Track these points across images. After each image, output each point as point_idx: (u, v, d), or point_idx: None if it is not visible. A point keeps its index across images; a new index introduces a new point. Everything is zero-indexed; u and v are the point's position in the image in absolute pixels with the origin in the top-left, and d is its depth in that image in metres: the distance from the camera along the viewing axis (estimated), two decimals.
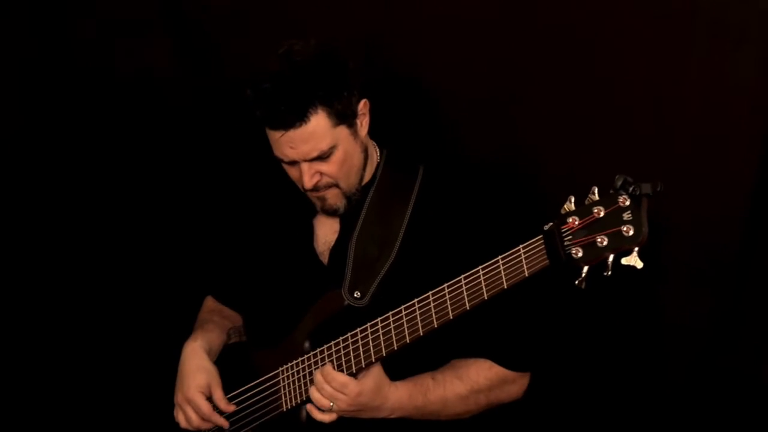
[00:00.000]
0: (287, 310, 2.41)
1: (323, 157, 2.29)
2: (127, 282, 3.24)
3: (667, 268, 2.61)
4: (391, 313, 2.19)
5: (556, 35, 2.63)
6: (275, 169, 2.43)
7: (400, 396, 2.27)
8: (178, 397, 2.43)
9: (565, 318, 2.70)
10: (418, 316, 2.15)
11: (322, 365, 2.26)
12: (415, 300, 2.15)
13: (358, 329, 2.24)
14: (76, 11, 3.05)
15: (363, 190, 2.42)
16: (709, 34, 2.47)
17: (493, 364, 2.35)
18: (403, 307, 2.17)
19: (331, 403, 2.22)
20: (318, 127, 2.25)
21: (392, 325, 2.18)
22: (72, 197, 3.18)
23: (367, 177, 2.44)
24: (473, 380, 2.33)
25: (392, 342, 2.17)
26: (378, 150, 2.48)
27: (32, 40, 3.06)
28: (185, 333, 2.54)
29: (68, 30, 3.06)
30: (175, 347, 2.50)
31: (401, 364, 2.29)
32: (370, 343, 2.20)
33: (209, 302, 2.72)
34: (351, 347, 2.23)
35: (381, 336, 2.19)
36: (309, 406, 2.26)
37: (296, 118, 2.23)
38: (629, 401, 2.76)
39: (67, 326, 3.23)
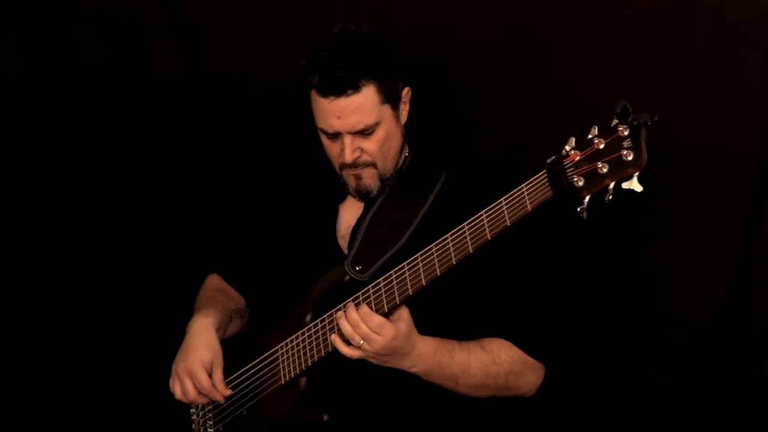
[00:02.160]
0: (296, 293, 2.42)
1: (366, 132, 2.34)
2: (134, 273, 3.23)
3: (666, 264, 2.61)
4: (402, 264, 2.21)
5: (558, 38, 2.64)
6: (301, 154, 2.46)
7: (427, 347, 2.27)
8: (179, 367, 2.41)
9: (579, 314, 2.71)
10: (421, 266, 2.17)
11: (352, 306, 2.24)
12: (418, 253, 2.18)
13: (371, 285, 2.24)
14: (76, 11, 3.05)
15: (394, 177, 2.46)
16: (709, 34, 2.47)
17: (512, 345, 2.35)
18: (419, 253, 2.19)
19: (362, 341, 2.21)
20: (367, 99, 2.31)
21: (396, 279, 2.20)
22: (73, 191, 3.18)
23: (398, 166, 2.48)
24: (495, 353, 2.33)
25: (420, 279, 2.17)
26: (407, 146, 2.52)
27: (32, 41, 3.06)
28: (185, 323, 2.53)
29: (68, 30, 3.06)
30: (175, 338, 2.49)
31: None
32: (395, 286, 2.20)
33: (214, 280, 2.70)
34: (377, 292, 2.23)
35: (407, 276, 2.19)
36: (335, 339, 2.24)
37: (349, 85, 2.29)
38: (629, 401, 2.76)
39: (69, 310, 3.23)
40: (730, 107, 2.50)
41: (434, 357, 2.28)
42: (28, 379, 3.22)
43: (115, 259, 3.23)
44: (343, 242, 2.47)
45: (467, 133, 2.84)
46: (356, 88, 2.30)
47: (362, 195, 2.44)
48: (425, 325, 2.27)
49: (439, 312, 2.31)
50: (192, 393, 2.40)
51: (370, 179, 2.41)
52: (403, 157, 2.49)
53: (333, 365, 2.30)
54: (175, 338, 2.49)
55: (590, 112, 2.60)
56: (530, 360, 2.36)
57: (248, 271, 2.65)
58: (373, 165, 2.40)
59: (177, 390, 2.42)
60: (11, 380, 3.21)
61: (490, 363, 2.33)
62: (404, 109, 2.44)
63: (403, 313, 2.23)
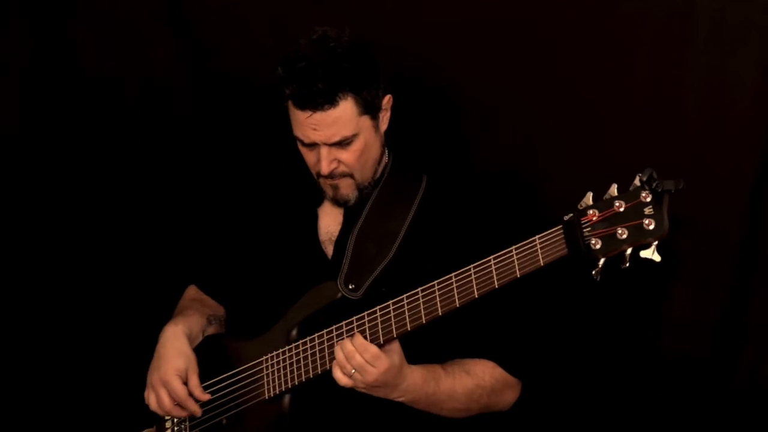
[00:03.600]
0: (278, 300, 2.39)
1: (344, 143, 2.31)
2: (122, 276, 3.22)
3: (666, 265, 2.61)
4: (402, 297, 2.17)
5: (557, 38, 2.63)
6: (278, 158, 2.43)
7: (415, 379, 2.25)
8: (153, 378, 2.39)
9: (567, 324, 2.70)
10: (422, 303, 2.13)
11: (349, 336, 2.21)
12: (419, 288, 2.14)
13: (367, 313, 2.21)
14: (76, 11, 3.04)
15: (372, 185, 2.43)
16: (709, 34, 2.47)
17: (496, 365, 2.35)
18: (420, 289, 2.15)
19: (353, 371, 2.18)
20: (344, 112, 2.27)
21: (393, 312, 2.17)
22: (72, 191, 3.17)
23: (377, 174, 2.45)
24: (479, 377, 2.33)
25: (420, 316, 2.14)
26: (387, 152, 2.49)
27: (32, 41, 3.06)
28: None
29: (68, 30, 3.06)
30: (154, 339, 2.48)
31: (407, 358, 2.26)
32: (392, 319, 2.18)
33: (191, 291, 2.69)
34: (372, 321, 2.20)
35: (407, 311, 2.16)
36: (335, 367, 2.20)
37: (326, 100, 2.25)
38: (628, 401, 2.75)
39: (58, 316, 3.22)
40: (730, 107, 2.50)
41: (422, 388, 2.27)
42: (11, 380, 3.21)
43: (109, 259, 3.22)
44: (325, 247, 2.44)
45: (449, 134, 2.82)
46: (333, 102, 2.25)
47: (340, 204, 2.42)
48: (411, 343, 2.23)
49: (425, 331, 2.24)
50: (167, 403, 2.38)
51: (347, 189, 2.39)
52: (383, 165, 2.46)
53: (319, 386, 2.28)
54: (154, 342, 2.48)
55: (590, 111, 2.65)
56: (511, 379, 2.37)
57: (225, 280, 2.62)
58: (351, 176, 2.37)
59: (152, 401, 2.40)
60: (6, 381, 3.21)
61: (474, 387, 2.33)
62: (385, 117, 2.40)
63: (395, 345, 2.20)
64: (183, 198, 3.14)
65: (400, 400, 2.27)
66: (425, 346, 2.27)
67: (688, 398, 2.69)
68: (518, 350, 2.36)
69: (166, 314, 2.61)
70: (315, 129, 2.28)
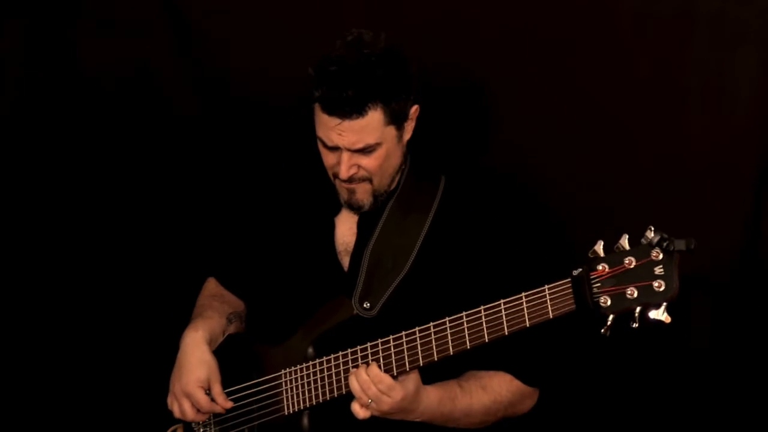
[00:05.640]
0: (295, 306, 2.39)
1: (366, 150, 2.28)
2: (134, 274, 3.22)
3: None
4: (414, 330, 2.17)
5: (558, 39, 2.63)
6: (299, 163, 2.42)
7: (431, 401, 2.25)
8: (176, 388, 2.40)
9: (578, 333, 2.70)
10: (434, 341, 2.14)
11: (363, 363, 2.22)
12: (431, 323, 2.14)
13: (381, 340, 2.21)
14: (77, 12, 3.04)
15: (389, 194, 2.41)
16: (709, 34, 2.47)
17: (513, 378, 2.34)
18: (432, 324, 2.15)
19: (370, 401, 2.19)
20: (372, 122, 2.24)
21: (406, 345, 2.17)
22: (73, 192, 3.17)
23: (394, 183, 2.43)
24: (497, 392, 2.32)
25: (432, 353, 2.15)
26: (406, 161, 2.46)
27: (32, 41, 3.06)
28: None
29: (68, 30, 3.06)
30: (173, 342, 2.48)
31: (422, 371, 2.25)
32: (405, 353, 2.18)
33: (210, 286, 2.67)
34: (386, 351, 2.20)
35: (419, 347, 2.16)
36: (354, 404, 2.20)
37: (354, 109, 2.22)
38: (628, 401, 2.75)
39: (67, 312, 3.22)
40: (730, 107, 2.49)
41: (438, 408, 2.27)
42: (24, 380, 3.21)
43: (114, 261, 3.22)
44: (341, 258, 2.43)
45: (467, 136, 2.82)
46: (362, 112, 2.23)
47: (354, 209, 2.41)
48: None
49: None
50: (191, 414, 2.39)
51: (363, 194, 2.37)
52: (400, 173, 2.44)
53: (337, 407, 2.27)
54: (174, 342, 2.48)
55: (589, 111, 2.65)
56: (528, 389, 2.37)
57: (245, 276, 2.61)
58: (369, 180, 2.35)
59: (175, 410, 2.41)
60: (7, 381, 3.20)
61: (491, 404, 2.32)
62: (410, 126, 2.37)
63: (412, 372, 2.20)
64: (197, 197, 3.12)
65: (416, 420, 2.27)
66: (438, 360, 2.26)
67: (688, 398, 2.68)
68: (533, 361, 2.35)
69: (187, 310, 2.61)
70: (340, 134, 2.26)
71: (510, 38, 2.69)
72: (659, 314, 1.88)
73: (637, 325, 1.91)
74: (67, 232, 3.18)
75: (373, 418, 2.24)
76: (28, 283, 3.18)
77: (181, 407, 2.39)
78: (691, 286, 1.94)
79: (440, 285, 2.25)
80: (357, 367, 2.21)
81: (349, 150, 2.28)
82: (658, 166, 2.57)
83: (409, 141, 2.42)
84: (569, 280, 1.97)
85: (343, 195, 2.39)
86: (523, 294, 2.03)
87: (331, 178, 2.39)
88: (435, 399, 2.26)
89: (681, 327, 2.61)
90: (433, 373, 2.28)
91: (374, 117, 2.24)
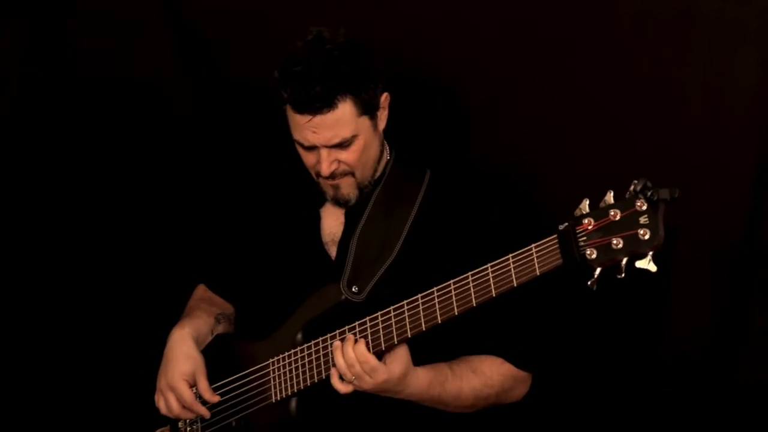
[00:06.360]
0: (284, 301, 2.39)
1: (344, 145, 2.31)
2: (125, 276, 3.22)
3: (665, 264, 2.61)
4: (402, 303, 2.18)
5: (557, 39, 2.63)
6: (280, 158, 2.43)
7: (420, 384, 2.26)
8: (161, 383, 2.41)
9: (573, 319, 2.70)
10: (421, 310, 2.14)
11: (351, 335, 2.22)
12: (419, 295, 2.15)
13: (369, 318, 2.21)
14: (76, 11, 3.04)
15: (373, 184, 2.43)
16: (709, 34, 2.47)
17: (504, 361, 2.35)
18: (420, 295, 2.15)
19: (353, 378, 2.20)
20: (344, 114, 2.27)
21: (394, 318, 2.17)
22: (73, 192, 3.17)
23: (377, 173, 2.45)
24: (487, 375, 2.33)
25: (420, 323, 2.15)
26: (388, 148, 2.49)
27: (31, 41, 3.06)
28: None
29: (68, 30, 3.06)
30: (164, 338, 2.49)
31: (413, 356, 2.26)
32: (393, 326, 2.18)
33: (200, 291, 2.70)
34: (374, 327, 2.20)
35: (407, 318, 2.17)
36: (333, 375, 2.22)
37: (324, 104, 2.24)
38: (628, 401, 2.75)
39: (61, 311, 3.22)
40: (730, 107, 2.50)
41: (427, 392, 2.28)
42: (14, 380, 3.21)
43: (111, 261, 3.22)
44: (329, 248, 2.45)
45: (452, 129, 2.82)
46: (332, 105, 2.25)
47: (341, 204, 2.42)
48: (418, 339, 2.22)
49: (433, 328, 2.23)
50: (176, 408, 2.39)
51: (348, 188, 2.39)
52: (384, 162, 2.46)
53: (325, 390, 2.27)
54: (164, 343, 2.48)
55: (589, 111, 2.65)
56: (521, 374, 2.37)
57: (232, 279, 2.62)
58: (351, 174, 2.37)
59: (162, 406, 2.42)
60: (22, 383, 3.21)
61: (482, 387, 2.33)
62: (383, 115, 2.39)
63: (401, 351, 2.20)
64: (185, 199, 3.14)
65: (405, 399, 2.28)
66: (433, 342, 2.26)
67: (688, 398, 2.68)
68: (525, 344, 2.36)
69: (177, 313, 2.62)
70: (314, 132, 2.28)
71: (510, 37, 2.70)
72: (645, 263, 1.88)
73: (623, 275, 1.90)
74: (64, 232, 3.19)
75: (363, 406, 2.27)
76: (25, 283, 3.19)
77: (166, 401, 2.40)
78: (675, 238, 1.93)
79: (428, 271, 2.24)
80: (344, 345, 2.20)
81: (326, 147, 2.30)
82: (658, 166, 2.57)
83: (394, 137, 2.44)
84: (555, 235, 1.98)
85: (329, 192, 2.41)
86: (510, 255, 2.04)
87: (315, 178, 2.41)
88: (425, 381, 2.26)
89: (680, 325, 2.65)
90: (427, 359, 2.29)
91: (345, 109, 2.27)
